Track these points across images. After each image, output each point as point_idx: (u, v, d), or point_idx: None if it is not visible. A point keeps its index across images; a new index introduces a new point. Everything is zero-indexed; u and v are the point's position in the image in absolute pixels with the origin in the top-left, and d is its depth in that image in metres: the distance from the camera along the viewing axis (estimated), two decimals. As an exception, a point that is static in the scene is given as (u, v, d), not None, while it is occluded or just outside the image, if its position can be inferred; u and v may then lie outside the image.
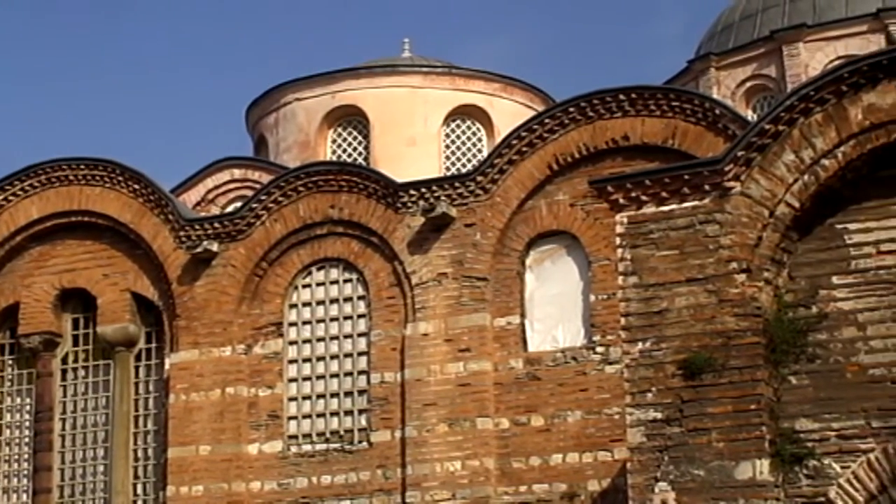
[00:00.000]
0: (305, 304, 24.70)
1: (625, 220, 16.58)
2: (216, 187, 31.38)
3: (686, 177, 16.32)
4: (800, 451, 15.60)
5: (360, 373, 24.10)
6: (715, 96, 32.03)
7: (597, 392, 22.43)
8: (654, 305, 16.14)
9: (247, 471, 24.17)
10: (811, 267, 16.14)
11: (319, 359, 24.44)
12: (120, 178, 25.80)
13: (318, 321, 24.56)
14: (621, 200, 16.64)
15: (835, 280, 16.01)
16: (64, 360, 26.09)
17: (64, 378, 26.07)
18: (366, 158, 32.27)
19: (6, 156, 64.93)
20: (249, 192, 27.55)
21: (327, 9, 69.84)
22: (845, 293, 15.93)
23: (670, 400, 15.81)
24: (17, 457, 26.14)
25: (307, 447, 24.06)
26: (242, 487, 24.08)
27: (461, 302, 23.43)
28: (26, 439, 26.10)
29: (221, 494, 24.04)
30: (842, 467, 15.52)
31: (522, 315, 23.30)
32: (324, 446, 23.96)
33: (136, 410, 25.54)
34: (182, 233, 25.11)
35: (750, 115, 33.34)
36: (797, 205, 16.02)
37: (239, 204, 26.77)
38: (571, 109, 23.38)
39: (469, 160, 32.19)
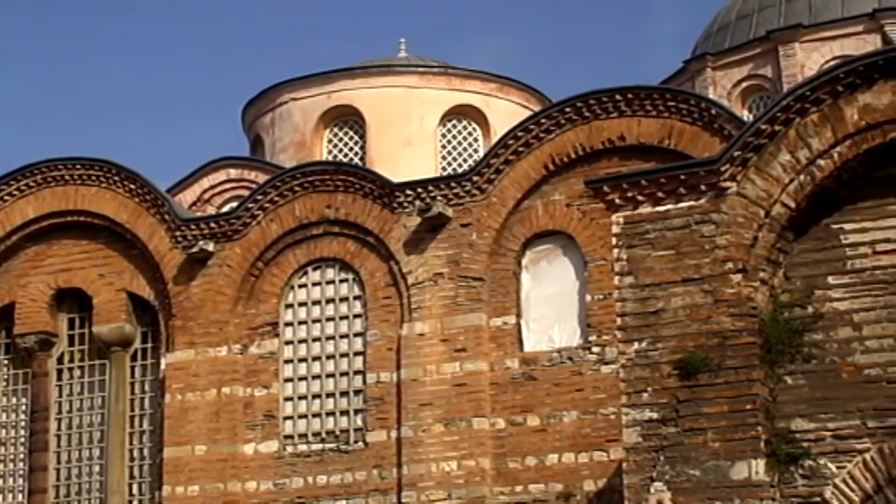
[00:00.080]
0: (301, 304, 24.69)
1: (621, 220, 16.58)
2: (212, 187, 31.38)
3: (682, 177, 16.33)
4: (795, 451, 15.61)
5: (356, 373, 24.10)
6: (711, 96, 32.03)
7: (593, 392, 22.44)
8: (650, 305, 16.14)
9: (242, 471, 24.16)
10: (807, 267, 16.15)
11: (315, 359, 24.43)
12: (116, 178, 25.79)
13: (314, 321, 24.56)
14: (617, 200, 16.65)
15: (830, 280, 16.02)
16: (60, 360, 26.08)
17: (60, 378, 26.06)
18: (362, 158, 32.26)
19: (2, 155, 64.98)
20: (245, 192, 27.54)
21: (323, 9, 69.89)
22: (841, 293, 15.93)
23: (666, 400, 15.82)
24: (12, 457, 26.13)
25: (303, 447, 24.05)
26: (238, 487, 24.07)
27: (457, 302, 23.43)
28: (22, 439, 26.09)
29: (217, 494, 24.03)
30: (837, 467, 15.52)
31: (518, 315, 23.30)
32: (320, 446, 23.95)
33: (132, 410, 25.53)
34: (178, 233, 25.10)
35: (746, 116, 33.38)
36: (793, 205, 16.03)
37: (235, 204, 26.78)
38: (568, 109, 23.38)
39: (465, 160, 32.19)
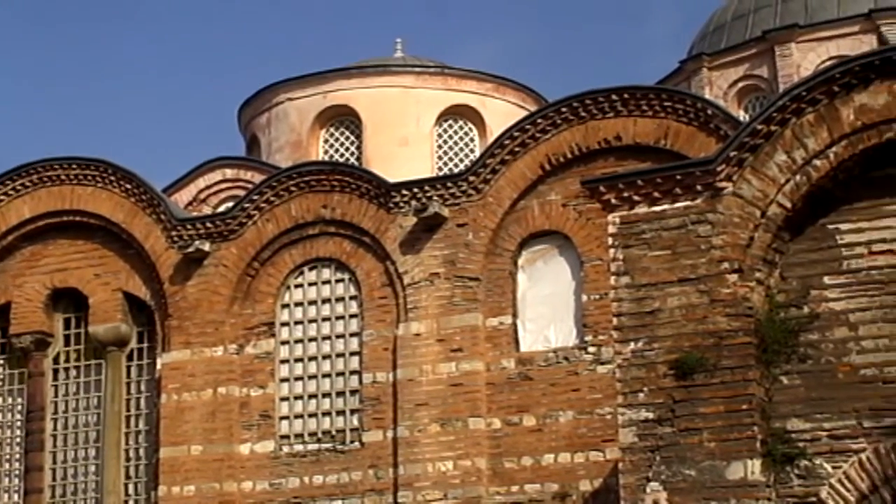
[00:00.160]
0: (297, 304, 24.69)
1: (617, 220, 16.58)
2: (208, 187, 31.38)
3: (678, 177, 16.33)
4: (791, 451, 15.61)
5: (352, 373, 24.10)
6: (707, 96, 32.05)
7: (589, 392, 22.44)
8: (646, 305, 16.14)
9: (238, 471, 24.16)
10: (803, 267, 16.15)
11: (311, 359, 24.43)
12: (112, 178, 25.78)
13: (310, 321, 24.55)
14: (613, 200, 16.65)
15: (826, 280, 16.02)
16: (55, 360, 26.06)
17: (55, 378, 26.04)
18: (358, 158, 32.26)
19: (-2, 155, 64.90)
20: (241, 192, 27.55)
21: (320, 9, 69.88)
22: (837, 293, 15.94)
23: (662, 400, 15.82)
24: (8, 457, 26.10)
25: (299, 447, 24.05)
26: (234, 487, 24.06)
27: (453, 302, 23.43)
28: (17, 439, 26.07)
29: (213, 494, 24.03)
30: (833, 467, 15.52)
31: (514, 315, 23.30)
32: (315, 446, 23.95)
33: (128, 410, 25.52)
34: (174, 232, 25.09)
35: (742, 116, 33.37)
36: (789, 205, 16.03)
37: (231, 204, 26.79)
38: (564, 110, 23.39)
39: (461, 160, 32.19)
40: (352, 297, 24.37)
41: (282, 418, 24.30)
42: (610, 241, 16.65)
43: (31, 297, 25.88)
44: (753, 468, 15.37)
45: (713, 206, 16.11)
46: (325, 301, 24.54)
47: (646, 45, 71.73)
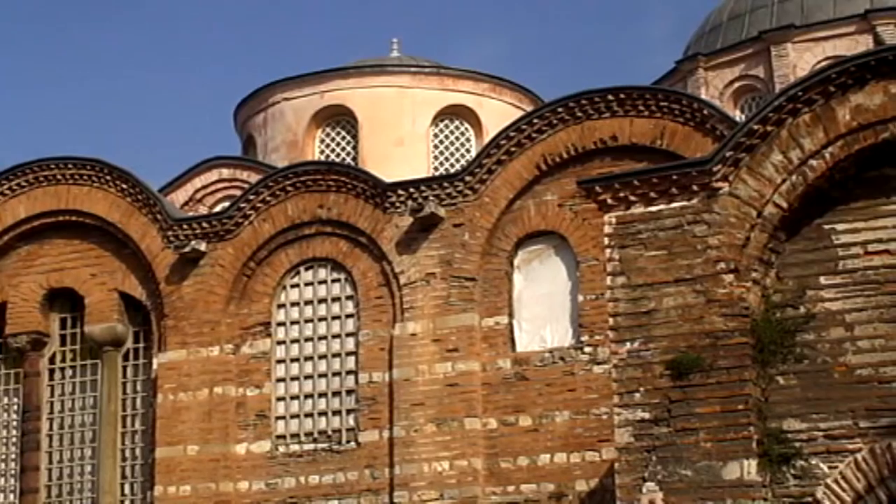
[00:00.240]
0: (294, 304, 24.69)
1: (613, 220, 16.59)
2: (204, 187, 31.36)
3: (674, 177, 16.33)
4: (787, 451, 15.62)
5: (349, 373, 24.10)
6: (703, 97, 32.05)
7: (585, 392, 22.44)
8: (642, 306, 16.15)
9: (235, 471, 24.15)
10: (799, 267, 16.16)
11: (307, 358, 24.43)
12: (108, 178, 25.77)
13: (307, 321, 24.55)
14: (609, 201, 16.65)
15: (822, 280, 16.03)
16: (51, 360, 26.05)
17: (51, 378, 26.03)
18: (354, 158, 32.25)
19: (-6, 155, 64.86)
20: (237, 192, 27.51)
21: (316, 8, 69.88)
22: (833, 293, 15.95)
23: (658, 400, 15.83)
24: (3, 456, 26.09)
25: (295, 447, 24.05)
26: (230, 487, 24.06)
27: (449, 302, 23.43)
28: (13, 439, 26.06)
29: (209, 494, 24.02)
30: (829, 467, 15.53)
31: (510, 315, 23.31)
32: (312, 446, 23.95)
33: (124, 410, 25.51)
34: (170, 232, 25.09)
35: (738, 116, 33.38)
36: (785, 205, 16.04)
37: (227, 203, 26.73)
38: (560, 110, 23.39)
39: (457, 160, 32.19)
40: (348, 297, 24.37)
41: (278, 418, 24.30)
42: (606, 241, 16.65)
43: (27, 296, 25.87)
44: (749, 468, 15.38)
45: (709, 207, 16.12)
46: (321, 301, 24.54)
47: (642, 46, 71.82)
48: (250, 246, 24.72)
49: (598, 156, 23.14)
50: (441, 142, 32.71)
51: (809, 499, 15.52)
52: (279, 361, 24.53)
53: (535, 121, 23.54)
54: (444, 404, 23.05)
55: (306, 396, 24.26)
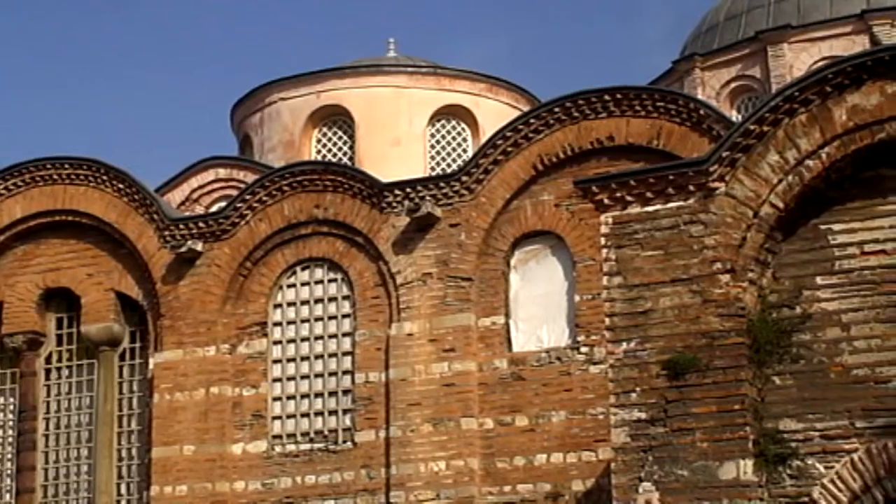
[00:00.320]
0: (290, 304, 24.68)
1: (609, 220, 16.59)
2: (201, 187, 31.32)
3: (671, 177, 16.34)
4: (784, 451, 15.63)
5: (345, 373, 24.09)
6: (700, 97, 32.05)
7: (581, 392, 22.44)
8: (639, 306, 16.16)
9: (231, 471, 24.14)
10: (795, 267, 16.17)
11: (304, 358, 24.42)
12: (104, 178, 25.76)
13: (303, 321, 24.54)
14: (606, 201, 16.66)
15: (819, 280, 16.04)
16: (48, 360, 26.04)
17: (48, 377, 26.02)
18: (350, 158, 32.24)
19: (-10, 155, 64.81)
20: (234, 192, 27.50)
21: (313, 8, 69.83)
22: (829, 294, 15.95)
23: (654, 400, 15.83)
24: (0, 456, 26.07)
25: (291, 447, 24.04)
26: (226, 487, 24.05)
27: (446, 302, 23.43)
28: (10, 439, 26.05)
29: (205, 494, 24.01)
30: (825, 467, 15.54)
31: (507, 315, 23.30)
32: (308, 446, 23.94)
33: (120, 410, 25.50)
34: (167, 232, 25.08)
35: (734, 116, 33.42)
36: (781, 205, 16.05)
37: (223, 203, 26.75)
38: (556, 110, 23.39)
39: (454, 160, 32.18)
40: (344, 297, 24.37)
41: (274, 418, 24.29)
42: (602, 241, 16.66)
43: (23, 296, 25.86)
44: (746, 468, 15.39)
45: (706, 207, 16.12)
46: (317, 301, 24.53)
47: (639, 46, 71.79)
48: (247, 246, 24.71)
49: (595, 156, 23.14)
50: (438, 142, 32.71)
51: (806, 499, 15.53)
52: (276, 361, 24.52)
53: (532, 121, 23.53)
54: (441, 404, 23.04)
55: (303, 396, 24.25)
